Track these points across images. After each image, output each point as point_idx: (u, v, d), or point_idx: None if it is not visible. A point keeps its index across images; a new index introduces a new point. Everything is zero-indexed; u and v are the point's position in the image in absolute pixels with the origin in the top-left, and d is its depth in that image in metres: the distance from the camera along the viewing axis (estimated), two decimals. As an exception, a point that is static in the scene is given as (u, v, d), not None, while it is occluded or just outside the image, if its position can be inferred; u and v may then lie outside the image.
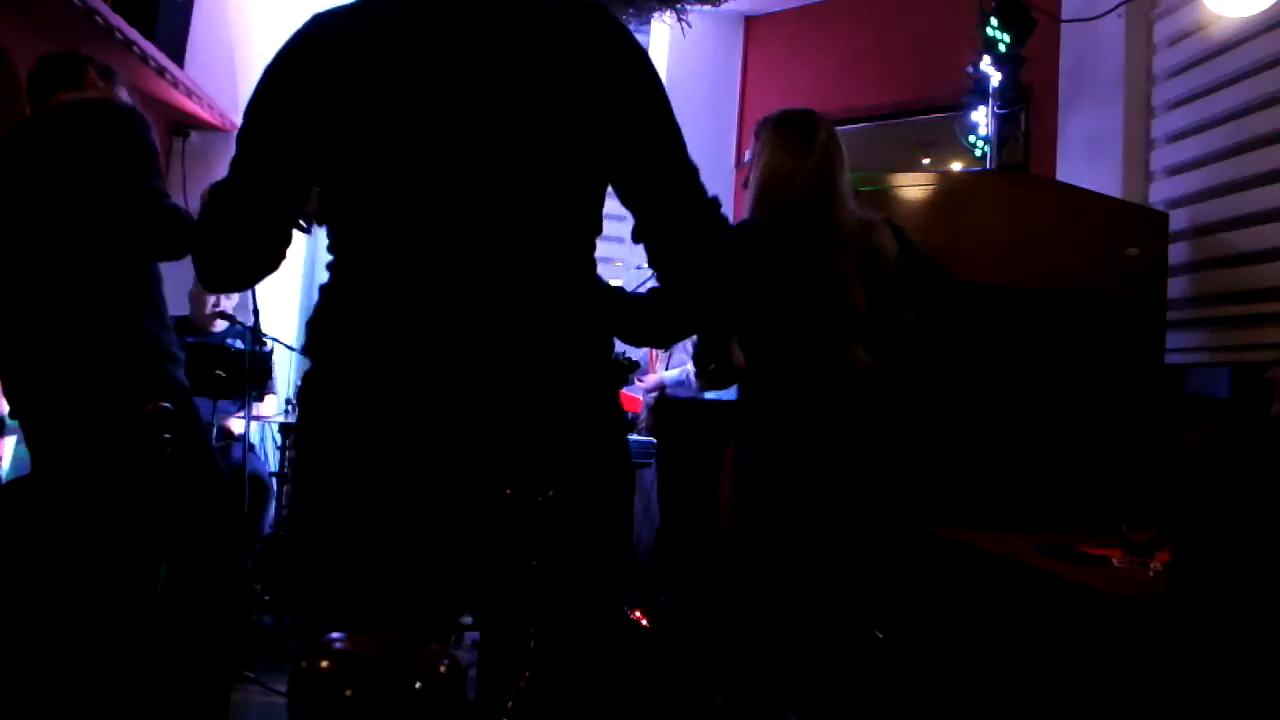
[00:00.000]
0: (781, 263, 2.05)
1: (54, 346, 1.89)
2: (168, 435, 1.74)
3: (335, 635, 0.52)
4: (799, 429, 2.10)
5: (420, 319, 1.12)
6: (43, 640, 1.84)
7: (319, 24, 1.23)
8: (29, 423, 1.96)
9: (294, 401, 4.11)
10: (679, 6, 4.22)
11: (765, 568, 2.14)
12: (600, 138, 1.20)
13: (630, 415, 3.81)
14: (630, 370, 3.66)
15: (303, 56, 1.22)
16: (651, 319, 1.33)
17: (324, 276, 1.22)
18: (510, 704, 0.77)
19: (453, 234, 1.13)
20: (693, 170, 1.29)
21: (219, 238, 1.23)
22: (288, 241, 1.26)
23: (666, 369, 4.03)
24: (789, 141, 2.14)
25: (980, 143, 3.67)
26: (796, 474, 2.10)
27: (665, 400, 3.99)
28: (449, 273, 1.13)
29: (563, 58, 1.18)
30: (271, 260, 1.26)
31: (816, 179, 2.10)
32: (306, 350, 1.21)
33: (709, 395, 3.92)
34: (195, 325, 3.64)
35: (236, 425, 3.53)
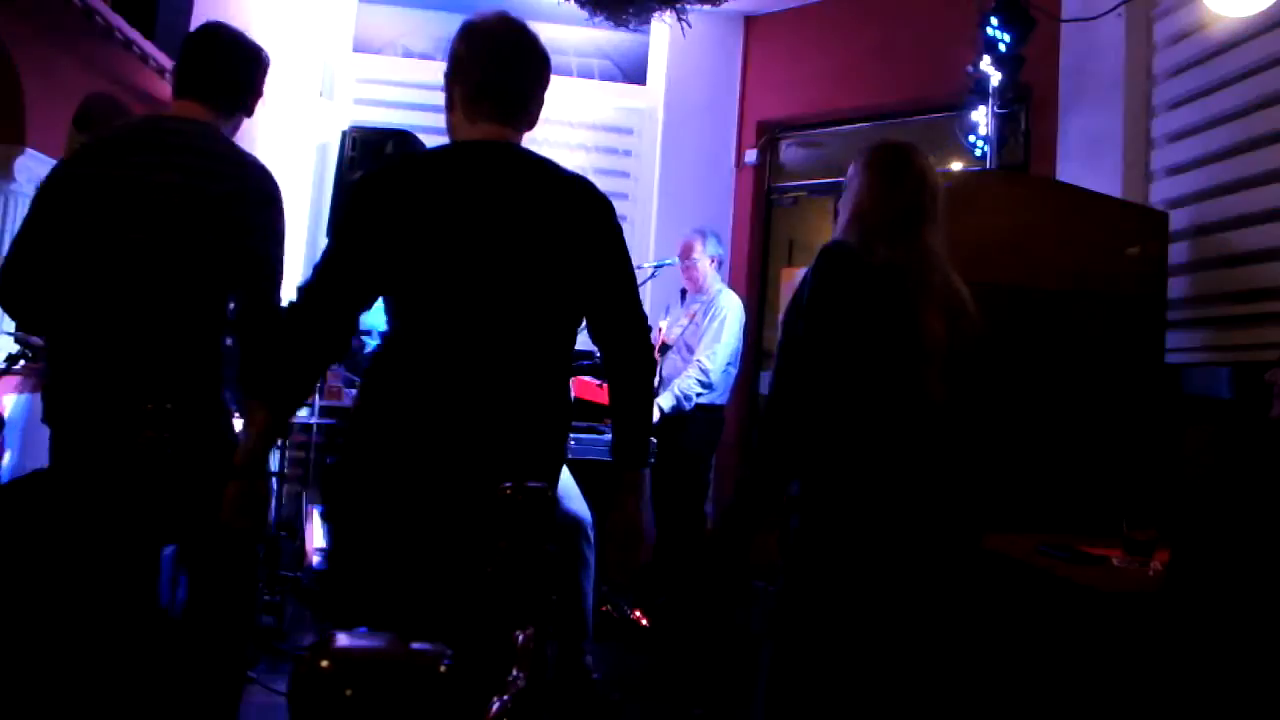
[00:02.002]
0: (867, 282, 1.96)
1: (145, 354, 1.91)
2: (167, 435, 1.74)
3: (337, 634, 0.52)
4: (868, 458, 1.96)
5: (441, 386, 1.67)
6: (46, 642, 1.84)
7: (380, 177, 1.75)
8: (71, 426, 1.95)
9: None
10: (679, 6, 4.22)
11: (818, 598, 2.01)
12: (574, 275, 1.74)
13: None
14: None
15: (373, 200, 1.70)
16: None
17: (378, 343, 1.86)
18: (510, 704, 0.77)
19: (467, 333, 1.68)
20: (637, 302, 1.83)
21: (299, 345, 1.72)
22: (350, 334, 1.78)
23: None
24: (881, 174, 2.08)
25: (980, 143, 3.67)
26: (860, 504, 1.96)
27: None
28: (463, 355, 1.67)
29: (552, 214, 1.72)
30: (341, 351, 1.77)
31: (905, 210, 2.02)
32: (361, 392, 1.74)
33: (702, 399, 3.94)
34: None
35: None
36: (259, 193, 2.03)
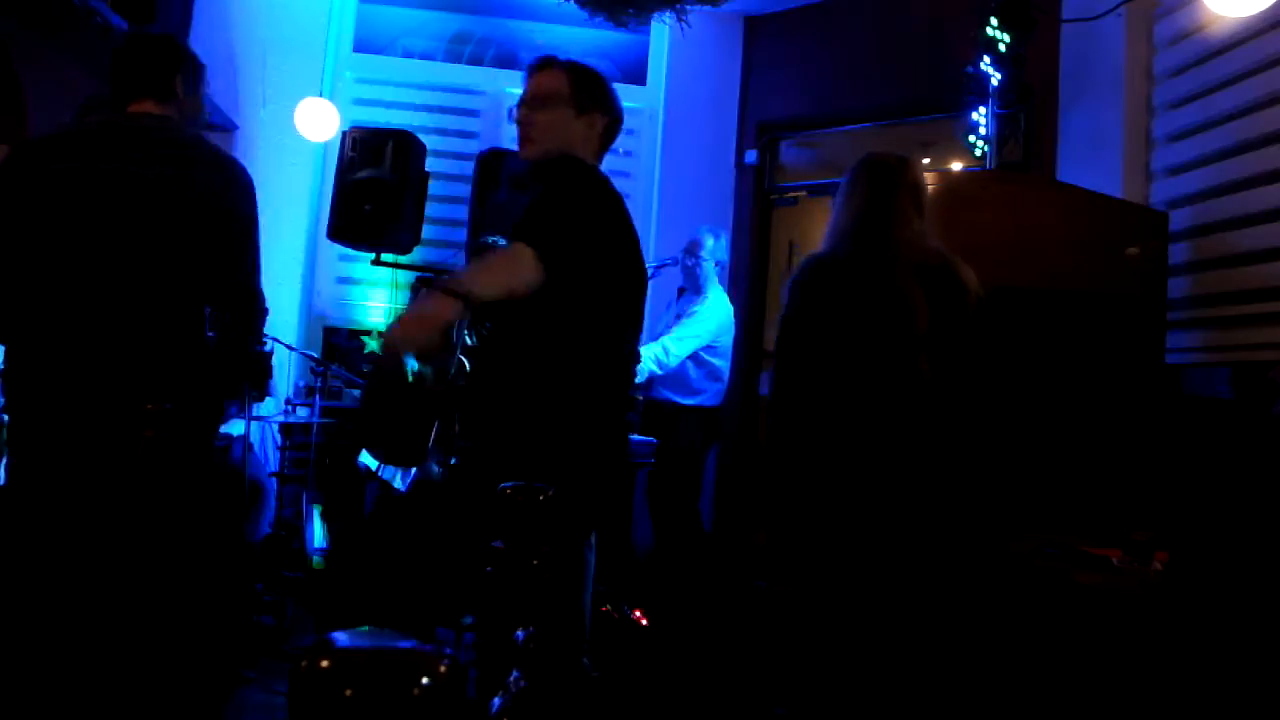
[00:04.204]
0: (841, 275, 2.18)
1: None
2: (167, 435, 1.74)
3: (337, 634, 0.52)
4: (863, 436, 2.12)
5: None
6: (42, 640, 1.84)
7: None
8: (34, 418, 1.95)
9: (293, 401, 4.11)
10: (679, 6, 4.22)
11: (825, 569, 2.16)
12: None
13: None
14: None
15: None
16: None
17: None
18: (510, 704, 0.77)
19: None
20: None
21: None
22: None
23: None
24: (846, 186, 2.32)
25: (980, 143, 3.66)
26: (860, 482, 2.12)
27: (650, 403, 4.01)
28: None
29: None
30: None
31: (870, 204, 2.23)
32: None
33: (691, 401, 3.96)
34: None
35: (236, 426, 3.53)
36: (243, 182, 2.06)
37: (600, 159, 2.05)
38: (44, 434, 1.94)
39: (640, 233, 5.11)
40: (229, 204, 2.02)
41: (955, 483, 2.09)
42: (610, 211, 1.90)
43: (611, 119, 2.02)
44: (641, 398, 4.02)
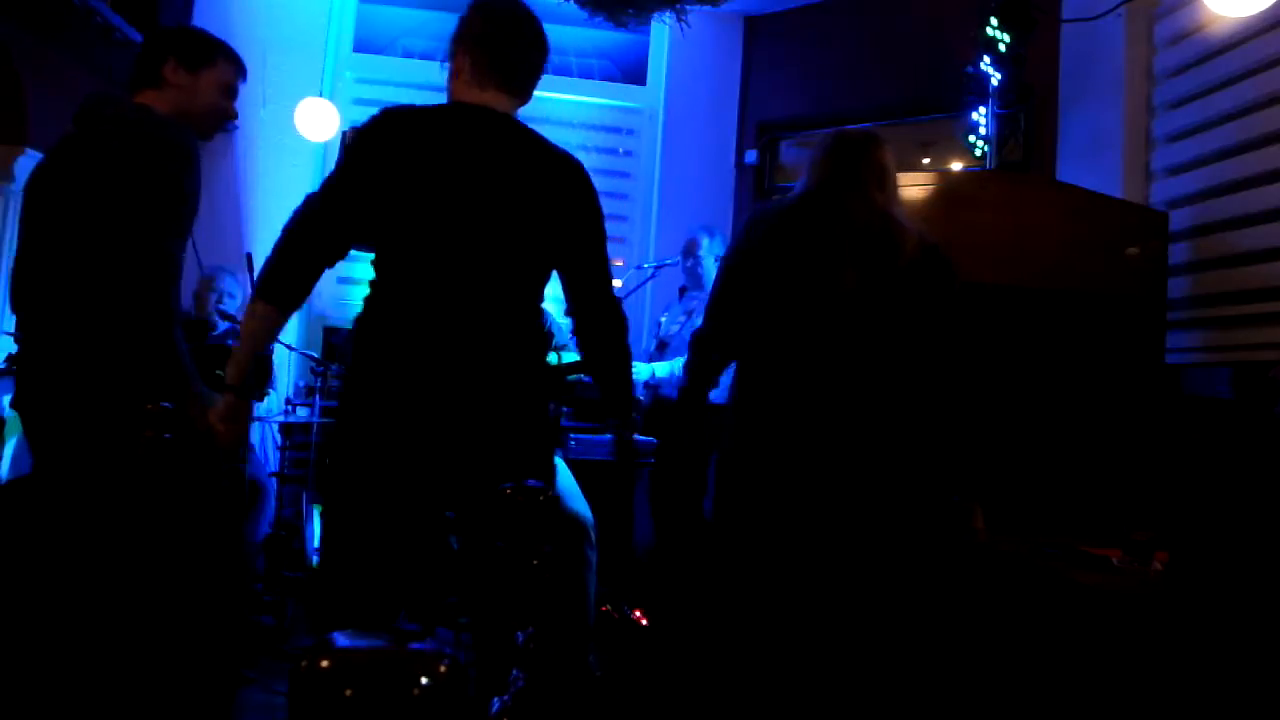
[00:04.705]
0: (781, 225, 2.19)
1: (81, 342, 1.91)
2: (168, 435, 1.74)
3: (337, 634, 0.52)
4: (787, 395, 2.16)
5: (423, 338, 1.79)
6: (43, 640, 1.84)
7: (388, 120, 1.89)
8: (39, 420, 1.96)
9: (293, 401, 4.11)
10: (679, 6, 4.22)
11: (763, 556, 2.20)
12: (550, 234, 1.89)
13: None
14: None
15: (373, 145, 1.86)
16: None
17: (364, 293, 1.88)
18: (510, 704, 0.77)
19: (450, 283, 1.81)
20: (607, 269, 1.98)
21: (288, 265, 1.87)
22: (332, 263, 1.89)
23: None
24: (820, 151, 2.31)
25: (980, 143, 3.66)
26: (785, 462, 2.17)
27: (658, 401, 4.01)
28: (445, 308, 1.80)
29: (539, 183, 1.87)
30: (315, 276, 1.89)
31: (829, 172, 2.23)
32: (352, 344, 1.85)
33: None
34: (197, 324, 3.65)
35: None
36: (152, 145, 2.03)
37: (487, 76, 1.91)
38: (46, 432, 1.95)
39: (640, 233, 5.08)
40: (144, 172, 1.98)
41: (895, 445, 2.08)
42: (357, 157, 1.86)
43: (464, 35, 1.93)
44: (644, 398, 4.03)
